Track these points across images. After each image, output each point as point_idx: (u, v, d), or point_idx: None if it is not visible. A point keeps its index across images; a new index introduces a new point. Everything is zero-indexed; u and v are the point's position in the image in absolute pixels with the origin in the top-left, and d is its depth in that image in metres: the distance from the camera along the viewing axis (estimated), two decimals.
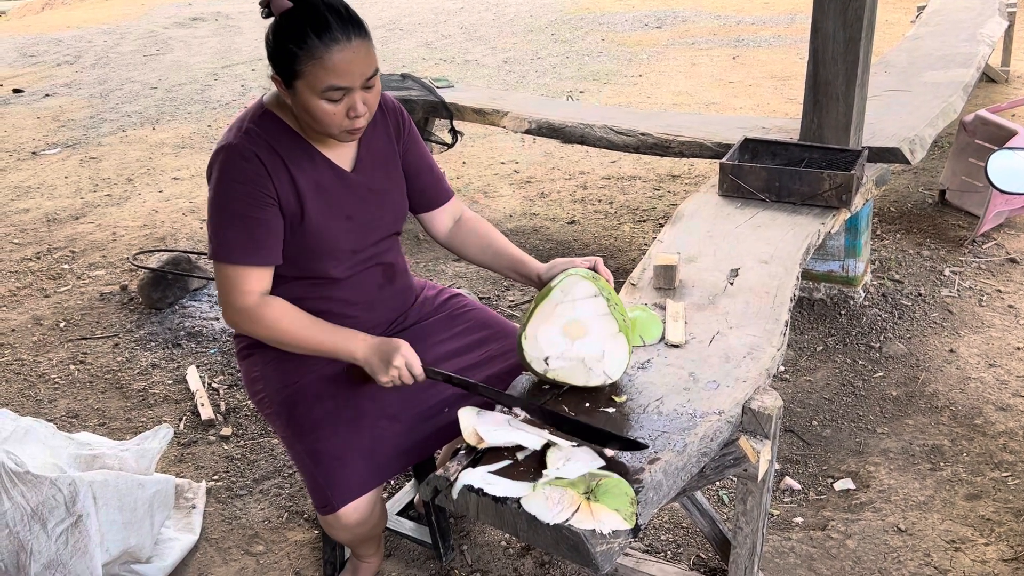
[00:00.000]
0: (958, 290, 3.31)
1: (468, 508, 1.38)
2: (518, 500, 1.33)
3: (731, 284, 2.11)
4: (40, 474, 1.97)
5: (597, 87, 6.82)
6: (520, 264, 1.86)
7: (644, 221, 4.16)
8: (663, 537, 2.23)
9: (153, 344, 3.30)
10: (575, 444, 1.45)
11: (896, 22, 7.88)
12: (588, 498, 1.32)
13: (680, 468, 1.45)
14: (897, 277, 3.42)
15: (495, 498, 1.34)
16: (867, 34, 2.74)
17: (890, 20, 7.88)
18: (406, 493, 2.34)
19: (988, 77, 5.89)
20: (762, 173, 2.68)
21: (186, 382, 3.04)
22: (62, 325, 3.50)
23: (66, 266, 4.04)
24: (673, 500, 1.66)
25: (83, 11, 12.61)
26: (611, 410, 1.56)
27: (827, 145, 2.86)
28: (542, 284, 1.80)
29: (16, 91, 7.80)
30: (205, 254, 3.94)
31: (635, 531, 1.30)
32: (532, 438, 1.44)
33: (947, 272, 3.44)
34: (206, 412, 2.82)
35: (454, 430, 1.78)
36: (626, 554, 2.06)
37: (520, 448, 1.45)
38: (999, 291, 3.30)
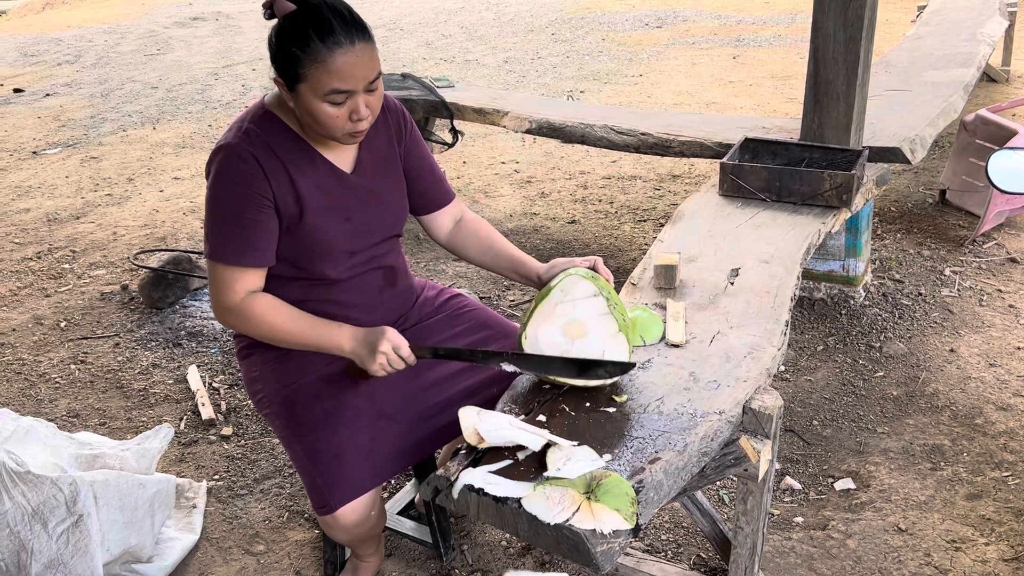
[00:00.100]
0: (958, 290, 3.31)
1: (469, 508, 1.38)
2: (519, 500, 1.33)
3: (731, 284, 2.11)
4: (41, 474, 1.97)
5: (597, 87, 6.82)
6: (520, 264, 1.86)
7: (644, 221, 4.16)
8: (664, 537, 2.23)
9: (154, 344, 3.30)
10: (575, 444, 1.45)
11: (896, 22, 7.88)
12: (589, 498, 1.32)
13: (681, 468, 1.45)
14: (897, 277, 3.42)
15: (496, 498, 1.34)
16: (868, 34, 2.74)
17: (890, 20, 7.88)
18: (407, 493, 2.34)
19: (989, 77, 5.89)
20: (763, 173, 2.68)
21: (187, 382, 3.04)
22: (63, 325, 3.50)
23: (67, 266, 4.04)
24: (674, 500, 1.66)
25: (84, 11, 12.61)
26: (612, 410, 1.57)
27: (828, 145, 2.86)
28: (542, 284, 1.80)
29: (17, 91, 7.80)
30: (204, 252, 3.95)
31: (635, 531, 1.30)
32: (533, 438, 1.44)
33: (947, 272, 3.44)
34: (207, 412, 2.82)
35: (454, 430, 1.78)
36: (627, 554, 2.07)
37: (521, 448, 1.45)
38: (999, 291, 3.30)
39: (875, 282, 3.38)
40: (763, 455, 1.61)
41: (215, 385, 3.01)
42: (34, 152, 5.92)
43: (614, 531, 1.28)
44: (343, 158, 1.74)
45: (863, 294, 3.26)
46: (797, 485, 2.38)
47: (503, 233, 2.93)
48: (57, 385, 3.08)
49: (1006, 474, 2.37)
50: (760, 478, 1.65)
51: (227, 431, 2.74)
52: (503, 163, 5.19)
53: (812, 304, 3.25)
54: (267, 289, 1.73)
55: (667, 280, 2.08)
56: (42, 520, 1.94)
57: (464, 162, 5.24)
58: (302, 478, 1.76)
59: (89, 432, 2.51)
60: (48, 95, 7.60)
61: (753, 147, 2.96)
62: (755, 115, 5.51)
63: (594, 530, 1.27)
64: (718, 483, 2.40)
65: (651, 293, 2.07)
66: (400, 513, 2.26)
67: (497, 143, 5.59)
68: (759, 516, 1.77)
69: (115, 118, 6.72)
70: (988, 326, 3.07)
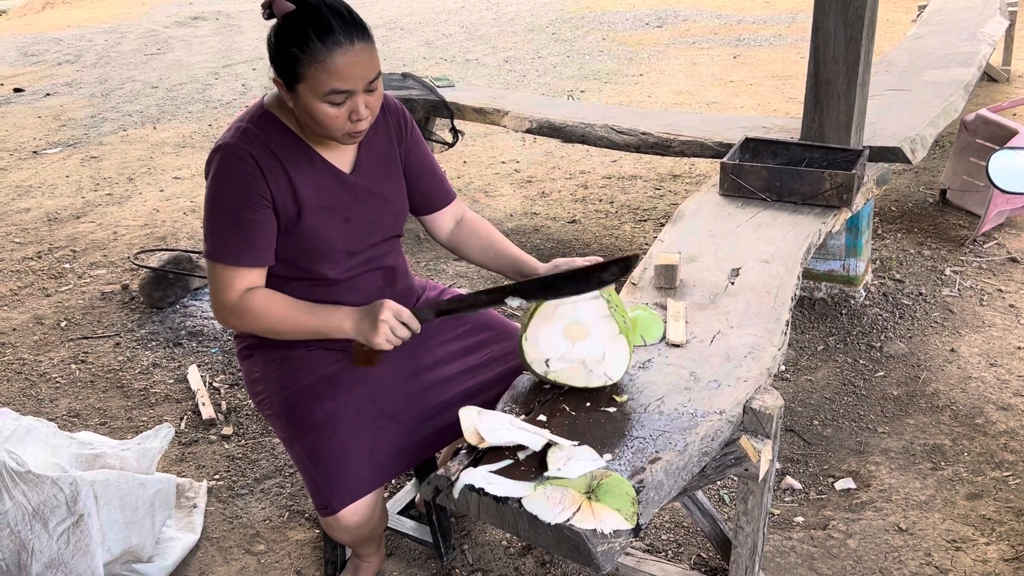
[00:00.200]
0: (959, 289, 3.31)
1: (469, 508, 1.38)
2: (519, 500, 1.33)
3: (732, 283, 2.11)
4: (41, 473, 1.97)
5: (598, 86, 6.82)
6: (521, 264, 1.86)
7: (645, 220, 4.16)
8: (664, 536, 2.23)
9: (154, 343, 3.30)
10: (576, 444, 1.45)
11: (897, 21, 7.88)
12: (589, 498, 1.32)
13: (681, 468, 1.45)
14: (898, 276, 3.42)
15: (496, 498, 1.34)
16: (868, 33, 2.74)
17: (891, 19, 7.88)
18: (407, 492, 2.34)
19: (989, 76, 5.89)
20: (763, 172, 2.68)
21: (187, 381, 3.04)
22: (63, 324, 3.50)
23: (67, 265, 4.05)
24: (674, 499, 1.66)
25: (84, 10, 12.61)
26: (612, 409, 1.57)
27: (828, 144, 2.86)
28: None
29: (17, 90, 7.81)
30: (203, 252, 3.95)
31: (636, 531, 1.30)
32: (533, 438, 1.44)
33: (948, 271, 3.44)
34: (207, 411, 2.82)
35: (454, 431, 1.78)
36: (627, 553, 2.07)
37: (521, 448, 1.45)
38: (1000, 290, 3.30)
39: (875, 282, 3.38)
40: (764, 455, 1.61)
41: (215, 385, 3.01)
42: (34, 152, 5.92)
43: (615, 531, 1.28)
44: (342, 158, 1.74)
45: (863, 294, 3.26)
46: (798, 485, 2.39)
47: (504, 233, 2.93)
48: (57, 385, 3.08)
49: (1006, 474, 2.37)
50: (761, 478, 1.65)
51: (227, 431, 2.74)
52: (503, 163, 5.19)
53: (812, 304, 3.25)
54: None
55: (667, 280, 2.08)
56: (43, 520, 1.94)
57: (464, 162, 5.24)
58: (304, 479, 1.76)
59: (90, 432, 2.51)
60: (48, 95, 7.61)
61: (754, 147, 2.96)
62: (755, 115, 5.51)
63: (595, 530, 1.27)
64: (718, 483, 2.40)
65: (652, 293, 2.07)
66: (401, 513, 2.27)
67: (497, 143, 5.59)
68: (760, 516, 1.77)
69: (115, 118, 6.72)
70: (989, 326, 3.07)
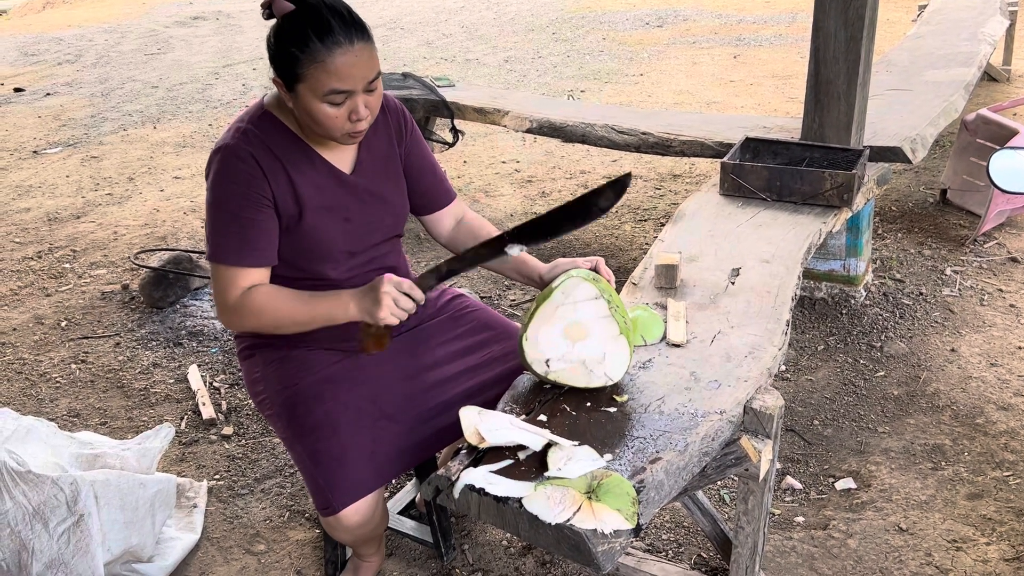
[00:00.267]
0: (959, 289, 3.31)
1: (469, 508, 1.38)
2: (519, 500, 1.33)
3: (732, 283, 2.11)
4: (42, 473, 1.97)
5: (598, 86, 6.81)
6: (522, 264, 1.86)
7: (645, 220, 4.16)
8: (664, 536, 2.23)
9: (154, 343, 3.30)
10: (576, 444, 1.45)
11: (897, 21, 7.87)
12: (589, 498, 1.32)
13: (682, 468, 1.45)
14: (898, 276, 3.42)
15: (496, 498, 1.34)
16: (868, 33, 2.74)
17: (891, 19, 7.88)
18: (407, 492, 2.34)
19: (989, 76, 5.89)
20: (763, 172, 2.67)
21: (187, 381, 3.04)
22: (63, 324, 3.50)
23: (67, 265, 4.05)
24: (674, 499, 1.66)
25: (84, 10, 12.61)
26: (612, 410, 1.56)
27: (828, 144, 2.86)
28: (544, 284, 1.80)
29: (17, 90, 7.81)
30: (205, 253, 3.95)
31: (636, 531, 1.30)
32: (533, 438, 1.44)
33: (948, 271, 3.44)
34: (207, 411, 2.82)
35: (455, 432, 1.78)
36: (627, 553, 2.06)
37: (522, 448, 1.45)
38: (1000, 290, 3.30)
39: (876, 282, 3.38)
40: (764, 455, 1.61)
41: (216, 385, 3.01)
42: (34, 151, 5.92)
43: (615, 531, 1.28)
44: (342, 158, 1.74)
45: (864, 294, 3.26)
46: (798, 485, 2.38)
47: None
48: (58, 385, 3.08)
49: (1007, 474, 2.37)
50: (761, 478, 1.65)
51: (228, 431, 2.74)
52: (504, 162, 5.19)
53: (813, 304, 3.25)
54: None
55: (668, 280, 2.08)
56: (43, 520, 1.94)
57: (465, 161, 5.24)
58: (305, 479, 1.76)
59: (90, 432, 2.51)
60: (48, 94, 7.61)
61: (754, 147, 2.96)
62: (756, 114, 5.51)
63: (595, 530, 1.27)
64: (719, 483, 2.40)
65: (652, 293, 2.07)
66: (401, 513, 2.26)
67: (498, 142, 5.59)
68: (760, 516, 1.77)
69: (115, 117, 6.72)
70: (989, 326, 3.06)
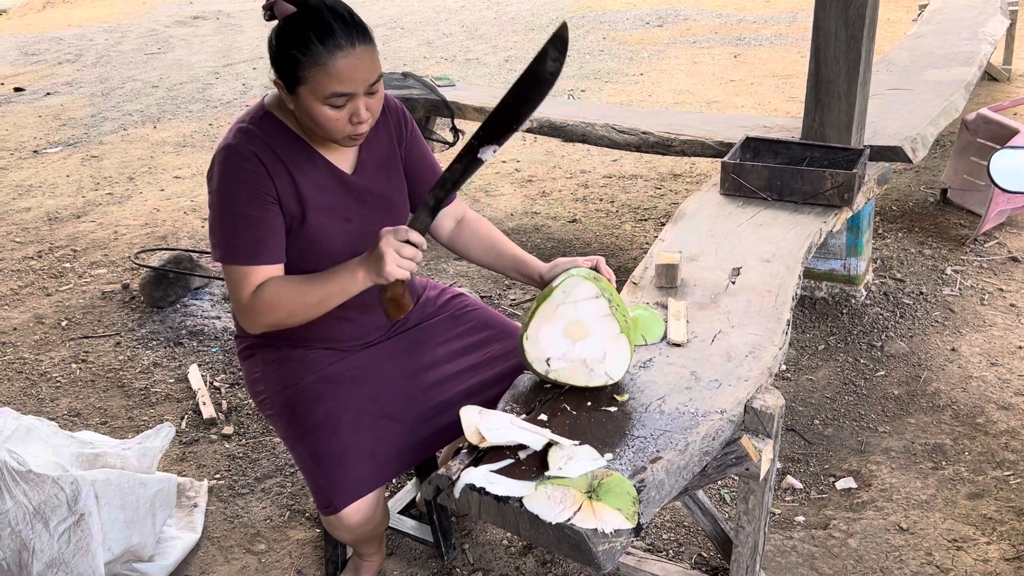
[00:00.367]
0: (960, 289, 3.31)
1: (470, 507, 1.38)
2: (520, 499, 1.33)
3: (733, 283, 2.11)
4: (42, 473, 1.97)
5: (598, 86, 6.81)
6: (523, 264, 1.86)
7: (645, 220, 4.16)
8: (665, 536, 2.23)
9: (155, 343, 3.30)
10: (577, 443, 1.45)
11: (898, 20, 7.87)
12: (590, 497, 1.32)
13: (682, 467, 1.45)
14: (899, 276, 3.42)
15: (497, 497, 1.34)
16: (869, 32, 2.74)
17: (892, 18, 7.88)
18: (408, 492, 2.34)
19: (990, 76, 5.88)
20: (764, 172, 2.67)
21: (188, 381, 3.04)
22: (64, 324, 3.50)
23: (68, 265, 4.05)
24: (675, 499, 1.66)
25: (84, 9, 12.61)
26: (613, 409, 1.56)
27: (829, 144, 2.86)
28: (545, 284, 1.80)
29: (17, 89, 7.81)
30: (207, 253, 3.95)
31: (637, 530, 1.30)
32: (534, 437, 1.44)
33: (949, 271, 3.44)
34: (208, 411, 2.82)
35: (455, 431, 1.78)
36: (628, 553, 2.06)
37: (522, 447, 1.45)
38: (1001, 290, 3.30)
39: (876, 281, 3.38)
40: (764, 454, 1.61)
41: (216, 384, 3.01)
42: (35, 151, 5.92)
43: (615, 530, 1.28)
44: (343, 159, 1.74)
45: (864, 293, 3.26)
46: (798, 484, 2.38)
47: (504, 232, 2.93)
48: (58, 384, 3.08)
49: (1007, 473, 2.37)
50: (762, 477, 1.65)
51: (228, 430, 2.74)
52: (504, 162, 5.19)
53: (813, 303, 3.25)
54: None
55: (668, 279, 2.08)
56: (43, 519, 1.94)
57: None
58: (306, 479, 1.76)
59: (90, 431, 2.51)
60: (49, 94, 7.61)
61: (754, 146, 2.95)
62: (756, 114, 5.51)
63: (596, 529, 1.27)
64: (719, 482, 2.40)
65: (652, 292, 2.07)
66: (401, 512, 2.27)
67: None
68: (760, 515, 1.77)
69: (116, 117, 6.72)
70: (989, 325, 3.06)
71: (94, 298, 3.69)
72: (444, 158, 5.03)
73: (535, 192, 4.65)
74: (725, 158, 2.77)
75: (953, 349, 2.94)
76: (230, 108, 6.79)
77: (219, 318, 3.45)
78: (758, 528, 1.78)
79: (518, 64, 7.72)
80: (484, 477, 1.38)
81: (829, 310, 3.21)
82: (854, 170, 2.60)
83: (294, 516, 2.37)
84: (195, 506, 2.36)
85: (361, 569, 2.04)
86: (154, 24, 10.94)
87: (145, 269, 3.61)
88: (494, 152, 1.49)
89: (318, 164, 1.69)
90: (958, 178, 3.96)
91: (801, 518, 2.26)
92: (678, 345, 1.79)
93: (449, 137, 4.13)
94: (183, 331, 3.37)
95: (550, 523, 1.29)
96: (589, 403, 1.58)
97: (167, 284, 3.53)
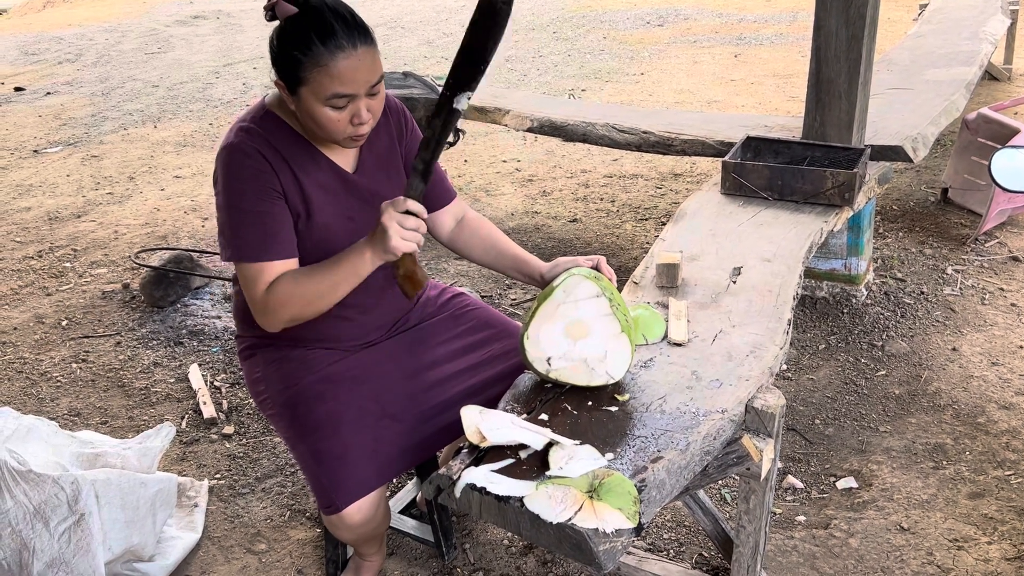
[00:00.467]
0: (960, 288, 3.31)
1: (471, 507, 1.38)
2: (521, 499, 1.33)
3: (734, 282, 2.11)
4: (42, 472, 1.97)
5: (599, 85, 6.81)
6: (523, 263, 1.86)
7: (646, 219, 4.15)
8: (665, 536, 2.23)
9: (155, 342, 3.30)
10: (578, 443, 1.45)
11: (898, 20, 7.87)
12: (591, 497, 1.32)
13: (683, 467, 1.45)
14: (899, 275, 3.42)
15: (498, 497, 1.34)
16: (870, 32, 2.74)
17: (892, 18, 7.87)
18: (408, 492, 2.34)
19: (991, 75, 5.88)
20: (764, 171, 2.67)
21: (188, 380, 3.04)
22: (64, 323, 3.50)
23: (68, 264, 4.04)
24: (676, 499, 1.66)
25: (84, 9, 12.61)
26: (614, 408, 1.56)
27: (830, 143, 2.86)
28: (545, 283, 1.80)
29: (18, 89, 7.81)
30: (207, 252, 3.95)
31: (638, 530, 1.30)
32: (535, 437, 1.44)
33: (950, 270, 3.44)
34: (208, 410, 2.82)
35: (456, 430, 1.78)
36: (629, 553, 2.06)
37: (523, 447, 1.45)
38: (1002, 289, 3.29)
39: (877, 281, 3.37)
40: (765, 454, 1.61)
41: (216, 384, 3.01)
42: (35, 151, 5.92)
43: (616, 530, 1.28)
44: (345, 158, 1.73)
45: (865, 293, 3.25)
46: (799, 484, 2.38)
47: (504, 232, 2.93)
48: (58, 384, 3.08)
49: (1008, 473, 2.37)
50: (762, 477, 1.65)
51: (228, 430, 2.74)
52: (504, 162, 5.18)
53: (814, 303, 3.25)
54: None
55: (669, 279, 2.08)
56: (44, 519, 1.94)
57: (465, 161, 5.23)
58: (307, 478, 1.76)
59: (91, 431, 2.51)
60: (49, 93, 7.61)
61: (755, 145, 2.95)
62: (757, 113, 5.50)
63: (596, 529, 1.27)
64: (720, 482, 2.40)
65: (653, 292, 2.07)
66: (402, 512, 2.26)
67: (498, 141, 5.59)
68: (761, 515, 1.77)
69: (116, 116, 6.72)
70: (990, 325, 3.06)
71: (94, 298, 3.69)
72: (445, 158, 5.04)
73: (536, 192, 4.65)
74: (726, 157, 2.77)
75: (954, 349, 2.93)
76: (230, 108, 6.79)
77: (219, 318, 3.45)
78: (759, 528, 1.78)
79: (518, 63, 7.73)
80: (485, 477, 1.37)
81: (830, 310, 3.20)
82: (855, 169, 2.59)
83: (294, 516, 2.37)
84: (195, 506, 2.36)
85: (362, 569, 2.04)
86: (154, 24, 10.93)
87: (145, 269, 3.61)
88: (468, 99, 1.48)
89: (321, 163, 1.69)
90: (959, 177, 3.96)
91: (802, 518, 2.26)
92: (679, 345, 1.79)
93: (449, 137, 4.13)
94: (183, 331, 3.37)
95: (551, 523, 1.29)
96: (590, 403, 1.58)
97: (167, 284, 3.53)
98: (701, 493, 1.99)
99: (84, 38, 10.19)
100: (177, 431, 2.74)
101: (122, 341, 3.33)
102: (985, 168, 3.24)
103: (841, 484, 2.37)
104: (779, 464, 2.39)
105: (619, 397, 1.60)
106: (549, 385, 1.64)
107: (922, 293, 3.28)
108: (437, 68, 7.64)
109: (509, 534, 2.23)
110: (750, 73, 6.82)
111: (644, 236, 3.96)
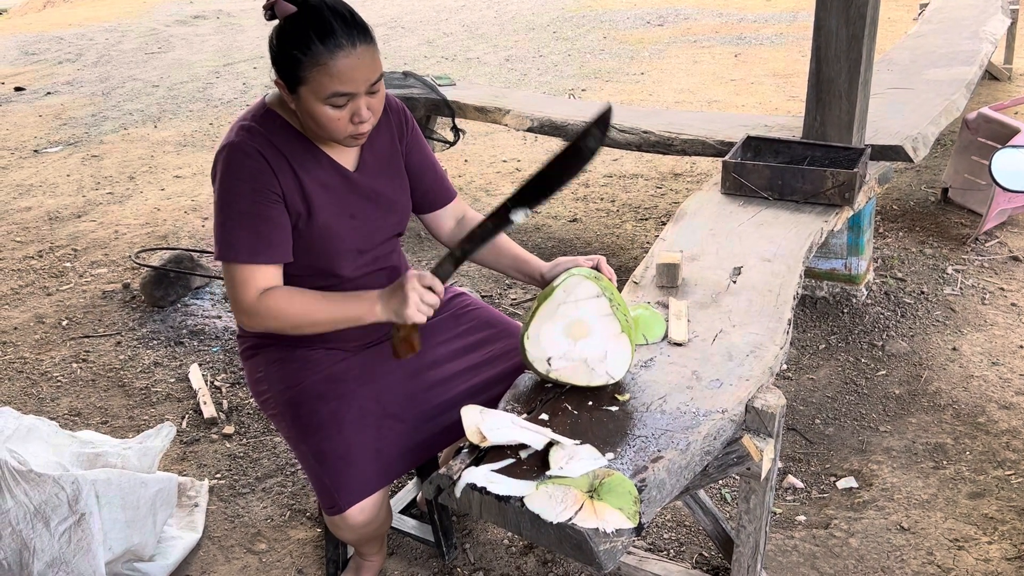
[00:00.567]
0: (961, 288, 3.31)
1: (471, 507, 1.38)
2: (521, 499, 1.33)
3: (734, 282, 2.11)
4: (43, 472, 1.97)
5: (599, 85, 6.81)
6: (524, 263, 1.86)
7: (646, 219, 4.15)
8: (666, 535, 2.23)
9: (155, 342, 3.30)
10: (578, 443, 1.45)
11: (899, 20, 7.87)
12: (591, 497, 1.32)
13: (683, 467, 1.45)
14: (900, 275, 3.42)
15: (498, 497, 1.34)
16: (870, 32, 2.74)
17: (892, 18, 7.87)
18: (409, 491, 2.34)
19: (991, 75, 5.88)
20: (765, 171, 2.67)
21: (188, 380, 3.04)
22: (64, 323, 3.50)
23: (68, 264, 4.05)
24: (676, 498, 1.66)
25: (85, 9, 12.61)
26: (614, 408, 1.56)
27: (830, 143, 2.86)
28: (546, 283, 1.80)
29: (18, 89, 7.80)
30: (207, 252, 3.95)
31: (638, 530, 1.30)
32: (535, 437, 1.44)
33: (950, 270, 3.44)
34: (208, 410, 2.82)
35: (458, 430, 1.77)
36: (629, 552, 2.06)
37: (523, 447, 1.45)
38: (1002, 289, 3.29)
39: (877, 280, 3.37)
40: (766, 454, 1.61)
41: (217, 384, 3.01)
42: (35, 150, 5.92)
43: (617, 530, 1.28)
44: (346, 157, 1.73)
45: (865, 292, 3.25)
46: (800, 484, 2.38)
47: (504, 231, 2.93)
48: (59, 384, 3.08)
49: (1009, 473, 2.37)
50: (763, 477, 1.65)
51: (229, 430, 2.74)
52: (504, 161, 5.18)
53: (814, 302, 3.25)
54: None
55: (669, 279, 2.08)
56: (44, 519, 1.94)
57: (465, 160, 5.23)
58: (310, 479, 1.76)
59: (91, 431, 2.51)
60: (49, 93, 7.60)
61: (755, 145, 2.95)
62: (757, 113, 5.51)
63: (597, 529, 1.27)
64: (720, 482, 2.40)
65: (653, 292, 2.07)
66: (402, 512, 2.26)
67: (499, 141, 5.58)
68: (762, 515, 1.77)
69: (116, 116, 6.72)
70: (990, 324, 3.06)
71: (95, 297, 3.69)
72: (445, 157, 5.05)
73: None
74: (726, 157, 2.77)
75: (954, 348, 2.93)
76: (231, 107, 6.79)
77: (220, 317, 3.45)
78: (759, 527, 1.78)
79: (519, 63, 7.73)
80: (485, 477, 1.38)
81: (830, 309, 3.21)
82: (855, 169, 2.59)
83: (295, 516, 2.37)
84: (196, 506, 2.36)
85: (362, 569, 2.04)
86: (154, 23, 10.93)
87: (146, 268, 3.61)
88: (525, 215, 1.55)
89: (322, 162, 1.69)
90: (959, 177, 3.96)
91: (802, 517, 2.26)
92: (679, 344, 1.79)
93: (450, 136, 4.13)
94: (184, 330, 3.37)
95: (551, 523, 1.29)
96: (590, 402, 1.58)
97: (168, 283, 3.53)
98: (701, 493, 1.99)
99: (84, 38, 10.19)
100: (177, 431, 2.74)
101: (122, 341, 3.33)
102: (985, 168, 3.24)
103: (841, 484, 2.37)
104: (779, 464, 2.39)
105: (619, 397, 1.60)
106: (549, 385, 1.64)
107: (922, 293, 3.28)
108: (437, 68, 7.64)
109: (509, 534, 2.23)
110: (750, 73, 6.82)
111: (644, 236, 3.96)
